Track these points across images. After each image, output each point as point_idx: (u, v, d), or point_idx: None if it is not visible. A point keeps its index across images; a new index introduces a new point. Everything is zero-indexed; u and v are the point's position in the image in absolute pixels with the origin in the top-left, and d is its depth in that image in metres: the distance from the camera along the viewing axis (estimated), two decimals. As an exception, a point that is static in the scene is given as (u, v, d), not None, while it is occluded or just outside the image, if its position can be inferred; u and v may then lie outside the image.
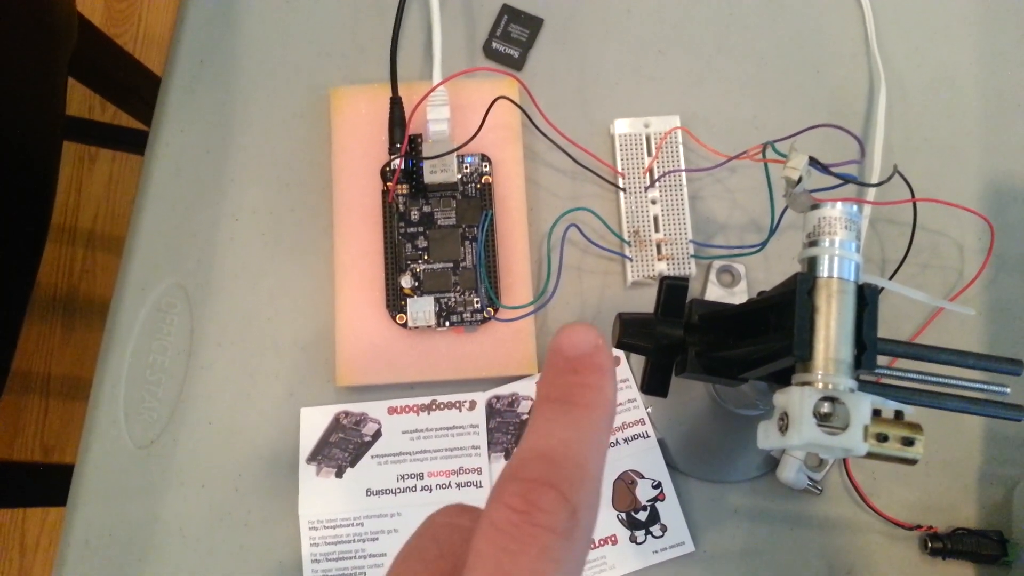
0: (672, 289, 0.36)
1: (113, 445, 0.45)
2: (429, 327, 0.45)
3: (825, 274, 0.31)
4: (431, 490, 0.45)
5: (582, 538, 0.20)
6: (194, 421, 0.46)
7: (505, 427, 0.45)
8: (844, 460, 0.45)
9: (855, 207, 0.31)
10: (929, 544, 0.44)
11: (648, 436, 0.45)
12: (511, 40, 0.51)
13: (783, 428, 0.30)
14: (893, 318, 0.47)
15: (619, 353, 0.46)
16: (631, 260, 0.47)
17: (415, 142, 0.47)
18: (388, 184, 0.47)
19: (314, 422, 0.45)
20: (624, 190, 0.48)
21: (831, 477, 0.46)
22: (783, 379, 0.32)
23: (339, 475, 0.45)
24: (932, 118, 0.51)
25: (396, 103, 0.47)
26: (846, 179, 0.36)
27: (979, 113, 0.51)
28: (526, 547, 0.19)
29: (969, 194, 0.49)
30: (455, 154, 0.47)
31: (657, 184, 0.48)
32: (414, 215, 0.47)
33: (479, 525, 0.20)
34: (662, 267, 0.47)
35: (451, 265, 0.46)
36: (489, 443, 0.45)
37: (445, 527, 0.23)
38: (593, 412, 0.22)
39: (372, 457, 0.45)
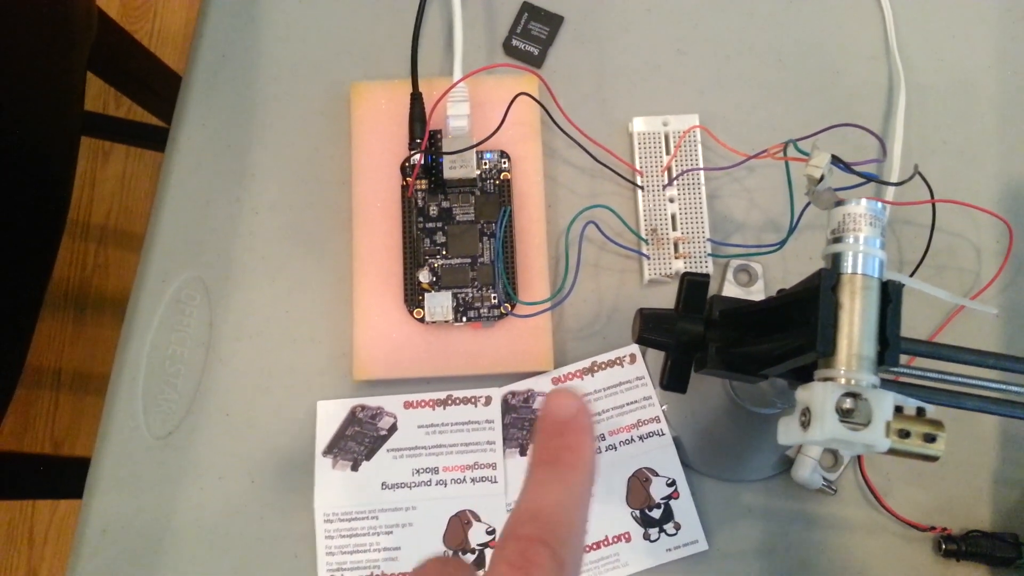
0: (693, 285, 0.36)
1: (131, 436, 0.45)
2: (446, 322, 0.46)
3: (849, 270, 0.31)
4: (446, 484, 0.45)
5: None
6: (212, 413, 0.46)
7: (520, 423, 0.46)
8: (859, 460, 0.45)
9: (880, 204, 0.31)
10: (943, 546, 0.44)
11: (663, 434, 0.45)
12: (531, 37, 0.51)
13: (805, 424, 0.30)
14: (911, 318, 0.47)
15: (635, 350, 0.46)
16: (648, 258, 0.47)
17: (435, 138, 0.48)
18: (407, 179, 0.47)
19: (330, 415, 0.45)
20: (642, 188, 0.48)
21: (846, 477, 0.46)
22: (804, 375, 0.32)
23: (355, 468, 0.45)
24: (951, 120, 0.51)
25: (416, 99, 0.48)
26: (868, 178, 0.36)
27: (998, 115, 0.51)
28: None
29: (987, 196, 0.49)
30: (474, 150, 0.47)
31: (675, 182, 0.48)
32: (433, 210, 0.47)
33: None
34: (679, 265, 0.47)
35: (469, 261, 0.46)
36: (504, 439, 0.45)
37: None
38: (577, 472, 0.26)
39: (388, 451, 0.45)
